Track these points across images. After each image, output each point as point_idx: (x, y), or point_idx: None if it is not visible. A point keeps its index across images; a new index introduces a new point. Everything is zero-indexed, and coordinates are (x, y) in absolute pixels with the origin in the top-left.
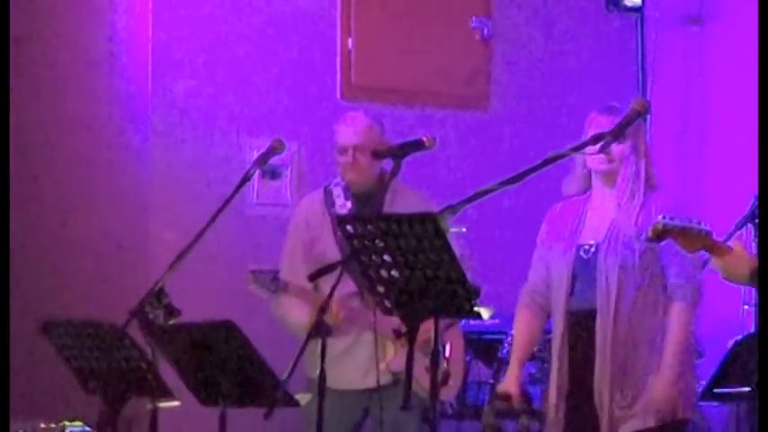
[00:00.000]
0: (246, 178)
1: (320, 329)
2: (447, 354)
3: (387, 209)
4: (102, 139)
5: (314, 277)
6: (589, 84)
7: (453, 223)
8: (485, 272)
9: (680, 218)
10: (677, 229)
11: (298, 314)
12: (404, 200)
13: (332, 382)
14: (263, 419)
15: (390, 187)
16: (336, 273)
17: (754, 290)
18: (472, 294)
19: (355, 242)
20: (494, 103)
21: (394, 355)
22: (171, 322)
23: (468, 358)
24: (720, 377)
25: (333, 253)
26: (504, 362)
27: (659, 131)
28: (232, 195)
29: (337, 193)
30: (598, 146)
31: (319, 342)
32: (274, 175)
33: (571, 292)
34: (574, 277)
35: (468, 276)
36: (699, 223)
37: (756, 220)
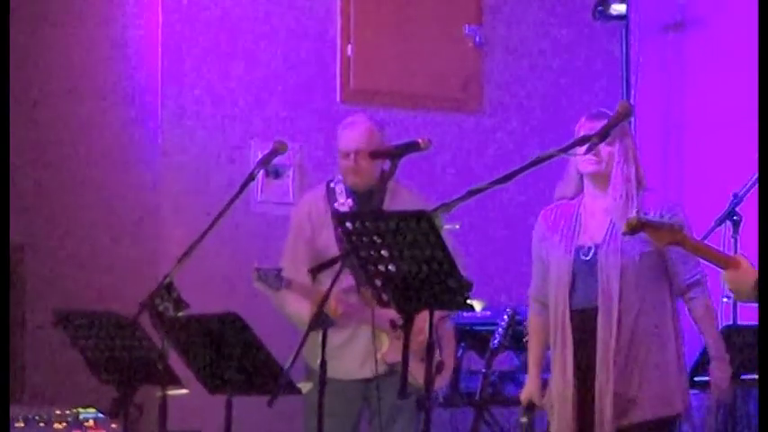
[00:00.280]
0: (251, 178)
1: (321, 321)
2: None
3: (385, 207)
4: (114, 139)
5: (315, 271)
6: (576, 88)
7: (447, 220)
8: (477, 267)
9: (653, 214)
10: (650, 223)
11: (298, 308)
12: (401, 199)
13: (331, 372)
14: (266, 406)
15: (389, 187)
16: (337, 267)
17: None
18: (465, 288)
19: (354, 238)
20: (486, 107)
21: (388, 347)
22: (179, 314)
23: (460, 348)
24: (699, 366)
25: (333, 248)
26: (496, 352)
27: (642, 133)
28: (237, 194)
29: (339, 190)
30: (585, 147)
31: (320, 333)
32: (277, 174)
33: (572, 293)
34: (574, 278)
35: (461, 270)
36: (671, 218)
37: (735, 218)
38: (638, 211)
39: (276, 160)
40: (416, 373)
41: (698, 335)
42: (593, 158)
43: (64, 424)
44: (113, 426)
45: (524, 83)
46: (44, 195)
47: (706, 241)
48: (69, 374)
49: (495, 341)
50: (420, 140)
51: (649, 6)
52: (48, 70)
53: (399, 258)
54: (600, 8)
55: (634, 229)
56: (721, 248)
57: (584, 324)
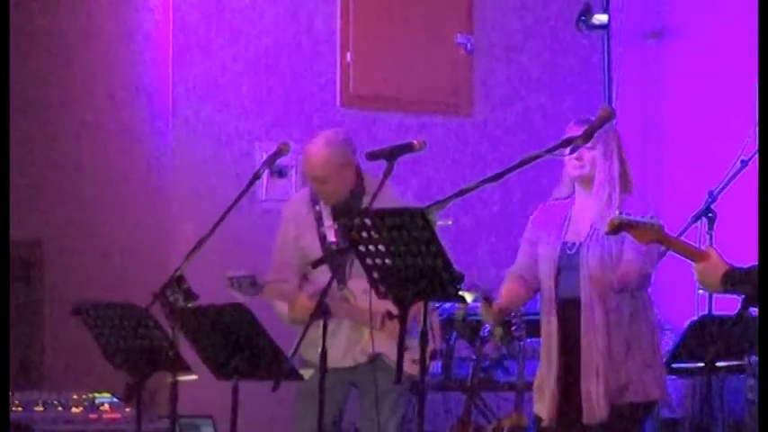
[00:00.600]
0: (256, 177)
1: (321, 312)
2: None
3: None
4: (126, 139)
5: (315, 265)
6: (561, 93)
7: (440, 217)
8: (470, 261)
9: (634, 214)
10: (631, 223)
11: (281, 306)
12: (381, 197)
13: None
14: (270, 391)
15: (367, 188)
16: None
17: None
18: (457, 280)
19: (353, 233)
20: (476, 110)
21: (367, 339)
22: (189, 305)
23: (452, 337)
24: (677, 353)
25: (315, 248)
26: (485, 340)
27: (623, 135)
28: (243, 192)
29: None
30: (569, 149)
31: (319, 325)
32: (281, 174)
33: (557, 283)
34: (559, 270)
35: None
36: (651, 218)
37: (710, 215)
38: (619, 211)
39: (280, 160)
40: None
41: (674, 325)
42: (577, 163)
43: (81, 408)
44: (127, 409)
45: (512, 88)
46: (61, 194)
47: (683, 237)
48: (86, 361)
49: (485, 330)
50: (414, 142)
51: (629, 16)
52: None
53: (395, 253)
54: (583, 18)
55: (616, 228)
56: (697, 243)
57: (568, 312)
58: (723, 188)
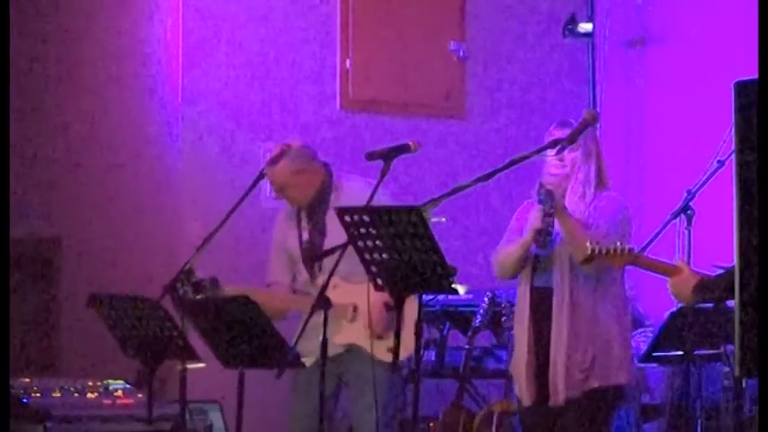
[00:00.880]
0: (260, 176)
1: (322, 304)
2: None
3: (331, 206)
4: (139, 142)
5: (315, 259)
6: (548, 97)
7: (434, 214)
8: (461, 255)
9: (605, 242)
10: (603, 251)
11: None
12: (343, 193)
13: (303, 354)
14: (274, 378)
15: (334, 185)
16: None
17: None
18: (450, 273)
19: (352, 230)
20: (468, 114)
21: (339, 332)
22: (198, 297)
23: (446, 327)
24: (658, 343)
25: (295, 249)
26: (477, 330)
27: (606, 137)
28: (248, 190)
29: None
30: (556, 149)
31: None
32: None
33: (534, 270)
34: (536, 259)
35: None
36: (621, 245)
37: (688, 212)
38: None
39: None
40: (374, 349)
41: (655, 318)
42: (559, 163)
43: (96, 393)
44: (139, 395)
45: (502, 93)
46: (76, 193)
47: (663, 232)
48: (100, 351)
49: (477, 321)
50: (410, 143)
51: (613, 25)
52: (83, 81)
53: (392, 248)
54: (569, 27)
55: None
56: (676, 238)
57: (542, 301)
58: (700, 187)
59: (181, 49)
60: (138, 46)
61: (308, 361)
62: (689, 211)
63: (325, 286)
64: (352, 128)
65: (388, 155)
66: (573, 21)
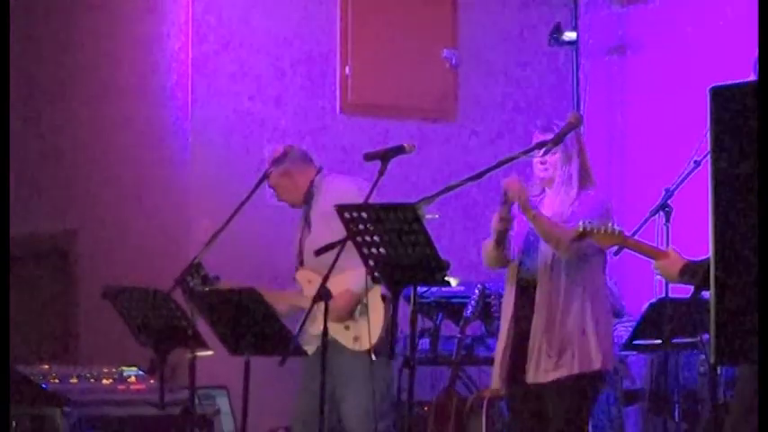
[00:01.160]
0: (265, 176)
1: (322, 295)
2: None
3: (314, 204)
4: (151, 141)
5: (319, 253)
6: (535, 101)
7: (428, 211)
8: (453, 249)
9: (597, 222)
10: (594, 230)
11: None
12: (325, 191)
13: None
14: (278, 365)
15: (316, 185)
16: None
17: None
18: (443, 267)
19: (351, 226)
20: (460, 117)
21: (314, 323)
22: (206, 289)
23: (439, 317)
24: (638, 332)
25: (295, 244)
26: (468, 320)
27: (590, 139)
28: (254, 189)
29: None
30: (542, 151)
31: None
32: None
33: (520, 263)
34: (523, 253)
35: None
36: (613, 226)
37: (666, 209)
38: (583, 221)
39: None
40: (341, 338)
41: (635, 308)
42: (542, 166)
43: (110, 380)
44: (151, 381)
45: (492, 97)
46: (92, 190)
47: (643, 227)
48: (115, 339)
49: (468, 311)
50: (406, 145)
51: (596, 34)
52: (98, 84)
53: (388, 243)
54: (554, 35)
55: (581, 235)
56: (655, 234)
57: (525, 293)
58: (678, 186)
59: (190, 57)
60: (151, 53)
61: (309, 349)
62: (667, 209)
63: (326, 278)
64: (352, 130)
65: (385, 156)
66: (558, 30)
